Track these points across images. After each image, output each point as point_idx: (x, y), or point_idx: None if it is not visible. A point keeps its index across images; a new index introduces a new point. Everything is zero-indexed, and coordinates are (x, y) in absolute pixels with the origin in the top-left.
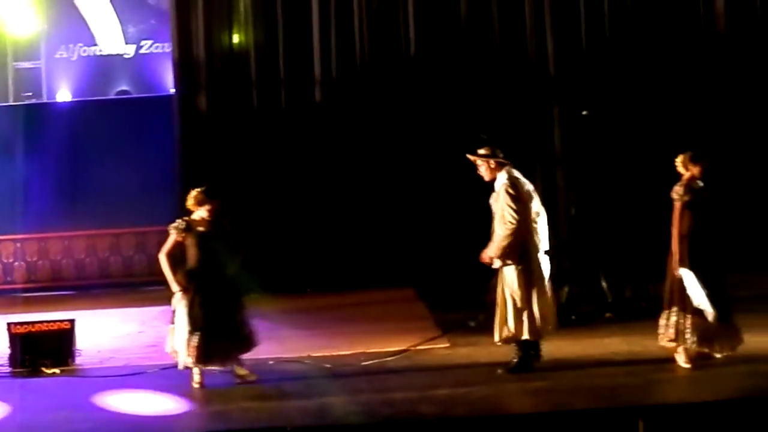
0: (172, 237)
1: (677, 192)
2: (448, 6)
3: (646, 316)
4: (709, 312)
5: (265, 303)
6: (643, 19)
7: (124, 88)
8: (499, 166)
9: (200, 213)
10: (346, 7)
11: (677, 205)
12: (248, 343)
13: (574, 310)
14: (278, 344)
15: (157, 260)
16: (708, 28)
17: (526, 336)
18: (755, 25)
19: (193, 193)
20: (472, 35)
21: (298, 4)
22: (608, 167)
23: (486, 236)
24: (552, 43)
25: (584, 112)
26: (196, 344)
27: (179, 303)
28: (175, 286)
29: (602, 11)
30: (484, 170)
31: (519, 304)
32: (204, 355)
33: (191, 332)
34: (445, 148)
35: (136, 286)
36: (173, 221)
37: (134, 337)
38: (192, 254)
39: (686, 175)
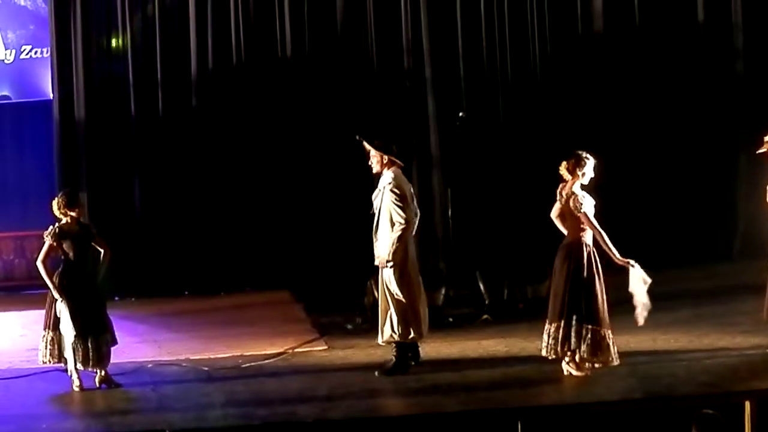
0: (47, 243)
1: (577, 202)
2: (325, 5)
3: (524, 318)
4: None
5: (143, 306)
6: (519, 19)
7: (5, 93)
8: (390, 164)
9: (69, 217)
10: (222, 9)
11: (581, 214)
12: (114, 341)
13: (451, 311)
14: (156, 347)
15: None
16: (585, 28)
17: (411, 336)
18: (633, 24)
19: (57, 199)
20: (348, 35)
21: (175, 7)
22: (485, 169)
23: (364, 237)
24: (428, 43)
25: (461, 114)
26: (83, 348)
27: (62, 309)
28: (56, 293)
29: (479, 11)
30: (375, 162)
31: (402, 305)
32: (96, 358)
33: (77, 336)
34: (321, 149)
35: (17, 290)
36: (52, 226)
37: (16, 340)
38: (68, 258)
39: (571, 180)
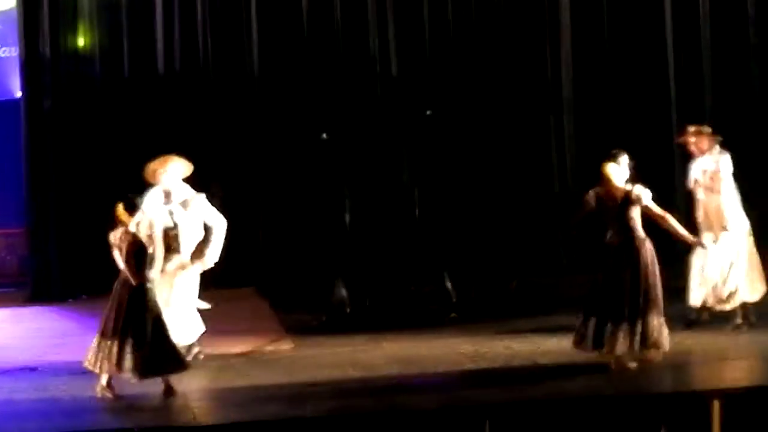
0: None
1: (641, 194)
2: (291, 5)
3: (491, 316)
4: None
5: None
6: (486, 19)
7: None
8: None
9: (132, 223)
10: (189, 8)
11: (645, 206)
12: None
13: (418, 310)
14: None
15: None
16: (552, 25)
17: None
18: (600, 21)
19: (121, 204)
20: (315, 34)
21: (142, 4)
22: (452, 167)
23: (331, 234)
24: (395, 42)
25: (428, 112)
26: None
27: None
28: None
29: (446, 11)
30: (173, 175)
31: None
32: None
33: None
34: (286, 148)
35: None
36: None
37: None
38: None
39: (616, 179)
